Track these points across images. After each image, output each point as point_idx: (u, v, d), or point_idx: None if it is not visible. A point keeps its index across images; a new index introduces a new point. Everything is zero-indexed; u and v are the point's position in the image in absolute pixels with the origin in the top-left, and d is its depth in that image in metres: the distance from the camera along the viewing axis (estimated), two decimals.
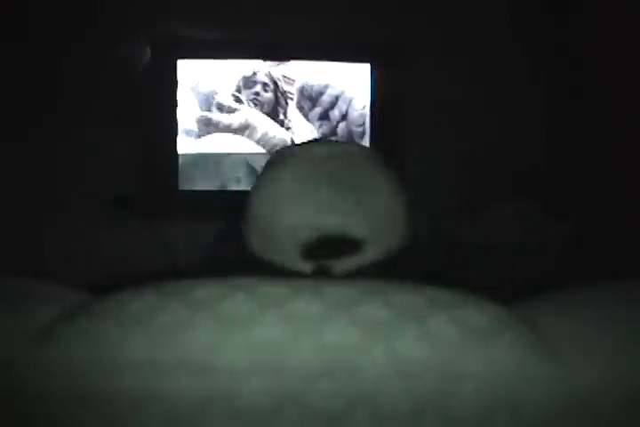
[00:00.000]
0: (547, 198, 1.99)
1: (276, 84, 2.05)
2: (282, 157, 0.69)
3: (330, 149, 0.68)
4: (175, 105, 1.98)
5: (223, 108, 2.03)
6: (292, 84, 2.07)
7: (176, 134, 1.99)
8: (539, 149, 2.07)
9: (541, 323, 0.49)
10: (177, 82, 1.97)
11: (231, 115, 2.04)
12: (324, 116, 2.10)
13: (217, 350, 0.46)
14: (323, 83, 2.09)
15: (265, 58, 2.02)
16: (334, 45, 2.05)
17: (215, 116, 2.03)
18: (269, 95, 2.06)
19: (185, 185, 2.01)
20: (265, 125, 2.07)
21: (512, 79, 2.06)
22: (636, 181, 1.63)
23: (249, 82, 2.04)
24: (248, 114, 2.05)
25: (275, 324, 0.46)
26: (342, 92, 2.09)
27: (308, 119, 2.09)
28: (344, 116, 2.11)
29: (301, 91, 2.07)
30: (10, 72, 1.85)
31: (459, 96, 2.05)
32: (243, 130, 2.05)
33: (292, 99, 2.08)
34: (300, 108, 2.08)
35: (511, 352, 0.46)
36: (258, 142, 2.06)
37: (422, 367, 0.45)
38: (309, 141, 0.73)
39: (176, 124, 1.99)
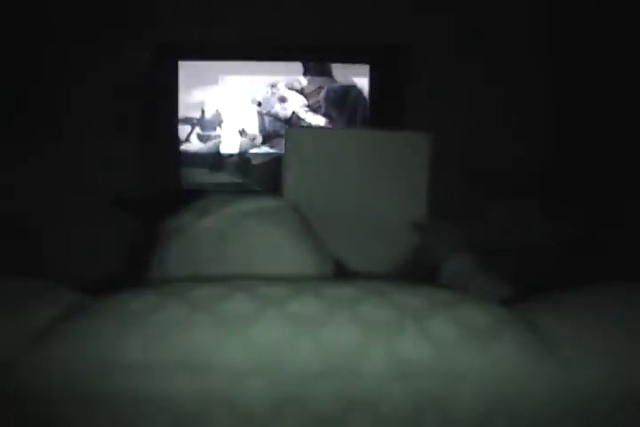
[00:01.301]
0: (547, 198, 1.99)
1: (294, 97, 2.05)
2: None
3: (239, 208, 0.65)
4: (176, 105, 1.98)
5: (202, 138, 2.03)
6: (318, 93, 2.06)
7: (177, 134, 1.99)
8: (539, 150, 2.07)
9: (541, 323, 0.49)
10: (178, 82, 1.97)
11: (202, 144, 2.04)
12: (352, 121, 2.08)
13: (217, 350, 0.46)
14: (344, 84, 2.07)
15: (264, 59, 2.02)
16: (334, 46, 2.04)
17: (186, 146, 2.02)
18: (287, 113, 2.05)
19: (186, 185, 2.02)
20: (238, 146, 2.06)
21: (511, 79, 2.07)
22: (635, 182, 1.63)
23: (268, 104, 2.04)
24: (217, 143, 2.04)
25: (275, 324, 0.46)
26: (359, 94, 2.07)
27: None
28: (365, 120, 2.09)
29: (327, 98, 2.06)
30: (10, 72, 1.85)
31: (458, 96, 2.05)
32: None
33: (319, 107, 2.06)
34: (329, 116, 2.07)
35: (511, 352, 0.46)
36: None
37: (422, 368, 0.45)
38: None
39: (177, 124, 1.99)
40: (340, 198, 1.06)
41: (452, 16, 2.03)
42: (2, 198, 1.84)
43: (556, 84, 2.03)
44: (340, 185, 1.06)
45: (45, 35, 1.88)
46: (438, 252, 1.01)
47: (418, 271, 1.06)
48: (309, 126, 1.99)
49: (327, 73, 2.06)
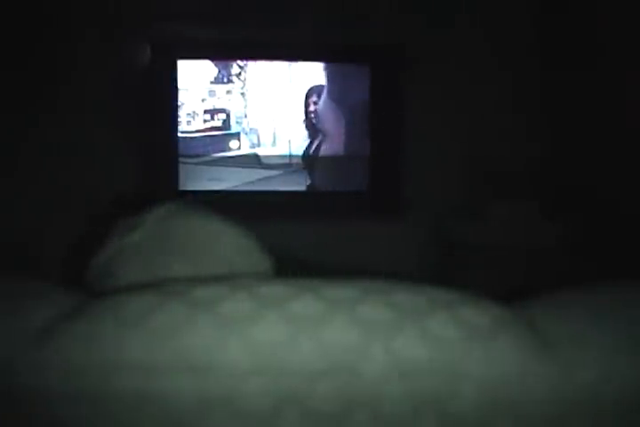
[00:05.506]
0: (546, 199, 1.99)
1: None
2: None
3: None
4: (175, 105, 1.97)
5: None
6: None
7: (176, 134, 1.99)
8: (539, 150, 2.07)
9: (541, 323, 0.49)
10: (177, 81, 1.97)
11: None
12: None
13: (217, 350, 0.46)
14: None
15: (264, 58, 2.02)
16: (334, 46, 2.04)
17: None
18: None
19: (185, 185, 2.01)
20: None
21: (512, 79, 2.06)
22: (634, 183, 1.63)
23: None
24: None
25: (275, 324, 0.46)
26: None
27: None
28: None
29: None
30: (10, 72, 1.85)
31: (459, 97, 2.05)
32: None
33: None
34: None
35: (511, 352, 0.46)
36: None
37: (422, 367, 0.45)
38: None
39: (176, 124, 1.98)
40: None
41: (450, 16, 2.03)
42: (2, 198, 1.84)
43: (556, 84, 2.03)
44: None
45: (44, 35, 1.88)
46: None
47: None
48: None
49: None
